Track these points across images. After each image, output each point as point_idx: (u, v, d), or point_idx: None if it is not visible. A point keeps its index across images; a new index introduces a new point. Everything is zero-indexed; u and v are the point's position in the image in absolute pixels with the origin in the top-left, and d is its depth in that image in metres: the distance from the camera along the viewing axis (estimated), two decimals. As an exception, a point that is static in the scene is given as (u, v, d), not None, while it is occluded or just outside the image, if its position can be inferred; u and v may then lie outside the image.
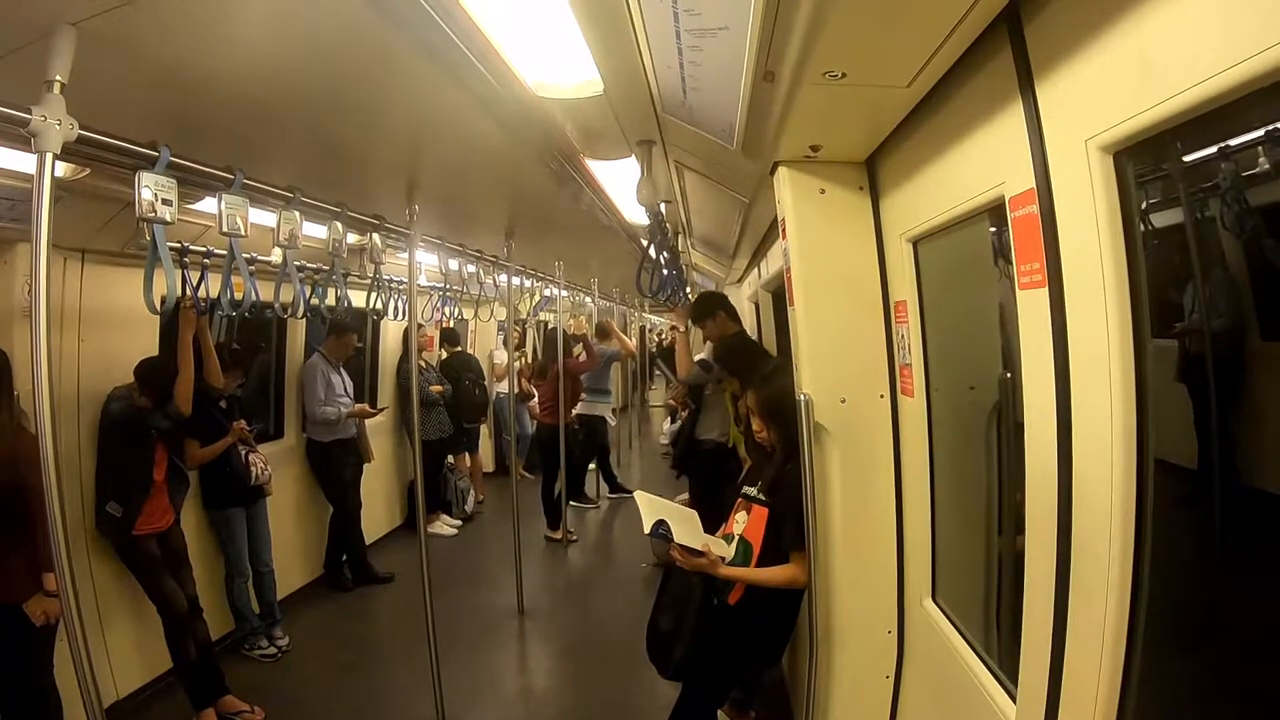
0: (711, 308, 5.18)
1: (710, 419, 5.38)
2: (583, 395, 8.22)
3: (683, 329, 5.19)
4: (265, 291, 3.46)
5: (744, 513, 3.01)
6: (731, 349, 4.86)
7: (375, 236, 3.92)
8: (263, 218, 3.05)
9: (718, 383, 5.15)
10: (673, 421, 6.62)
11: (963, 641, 2.28)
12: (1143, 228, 1.38)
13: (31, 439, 3.10)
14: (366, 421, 6.53)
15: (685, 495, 6.19)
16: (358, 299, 5.08)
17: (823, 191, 2.62)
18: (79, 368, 3.91)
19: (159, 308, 2.55)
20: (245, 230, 2.70)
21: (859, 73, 1.78)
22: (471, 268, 5.61)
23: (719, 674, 3.12)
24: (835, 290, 2.64)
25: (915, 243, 2.43)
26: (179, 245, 3.75)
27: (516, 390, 7.40)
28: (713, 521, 3.11)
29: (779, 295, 5.67)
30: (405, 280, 4.49)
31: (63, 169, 2.79)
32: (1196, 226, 1.49)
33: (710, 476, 5.37)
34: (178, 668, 4.10)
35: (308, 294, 3.95)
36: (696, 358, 5.32)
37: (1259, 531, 1.45)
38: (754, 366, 3.64)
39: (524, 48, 2.16)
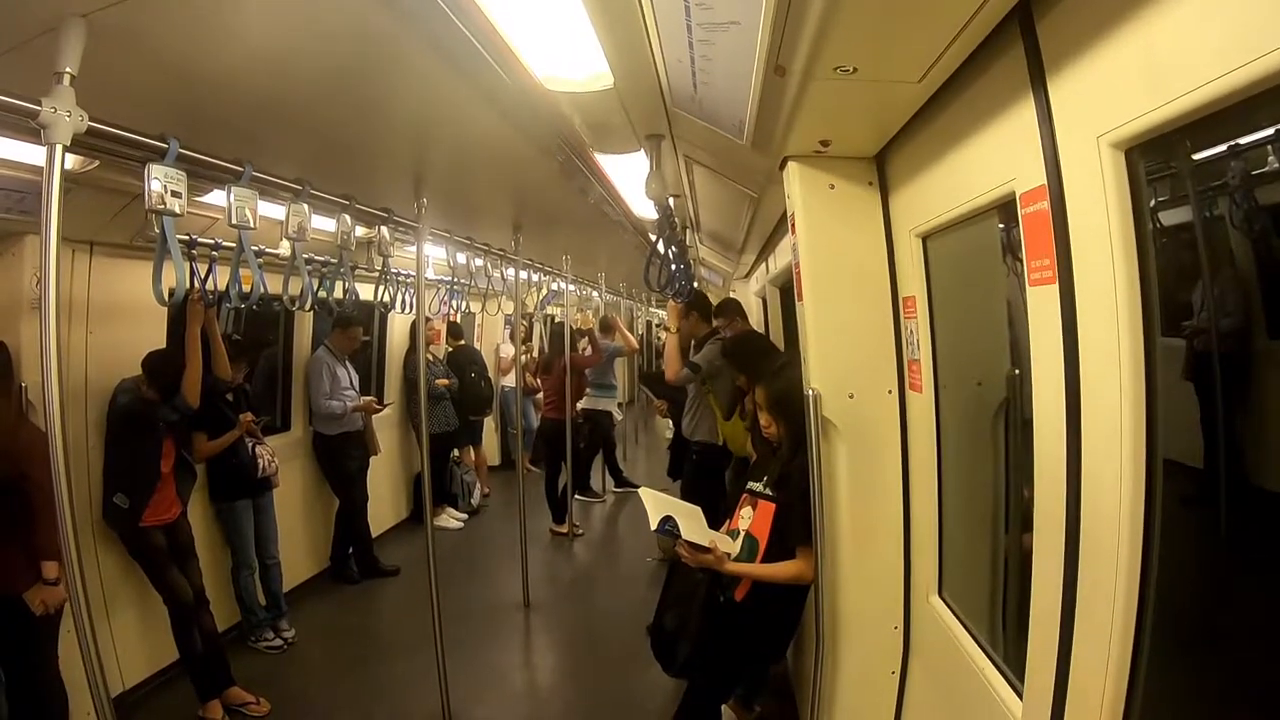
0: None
1: (698, 419, 5.38)
2: (588, 390, 8.22)
3: (674, 330, 5.20)
4: (273, 284, 3.46)
5: (750, 508, 3.00)
6: (741, 345, 4.86)
7: (383, 229, 3.92)
8: (271, 210, 3.05)
9: (701, 383, 5.16)
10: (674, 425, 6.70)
11: (969, 638, 2.28)
12: (1152, 225, 1.37)
13: (34, 430, 3.12)
14: (372, 415, 6.53)
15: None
16: (366, 292, 5.08)
17: (832, 187, 2.62)
18: (87, 360, 3.92)
19: (167, 300, 2.56)
20: (254, 223, 2.71)
21: (870, 68, 1.77)
22: (479, 261, 5.61)
23: (724, 670, 3.12)
24: (844, 285, 2.64)
25: (925, 238, 2.42)
26: (188, 237, 3.77)
27: (522, 384, 7.41)
28: (709, 520, 3.10)
29: (787, 290, 5.66)
30: (413, 273, 4.49)
31: (72, 161, 2.79)
32: (1205, 225, 1.48)
33: (702, 475, 5.39)
34: (184, 659, 4.11)
35: (315, 287, 3.95)
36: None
37: (1265, 531, 1.45)
38: (764, 361, 3.63)
39: (533, 41, 2.15)
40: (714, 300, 6.19)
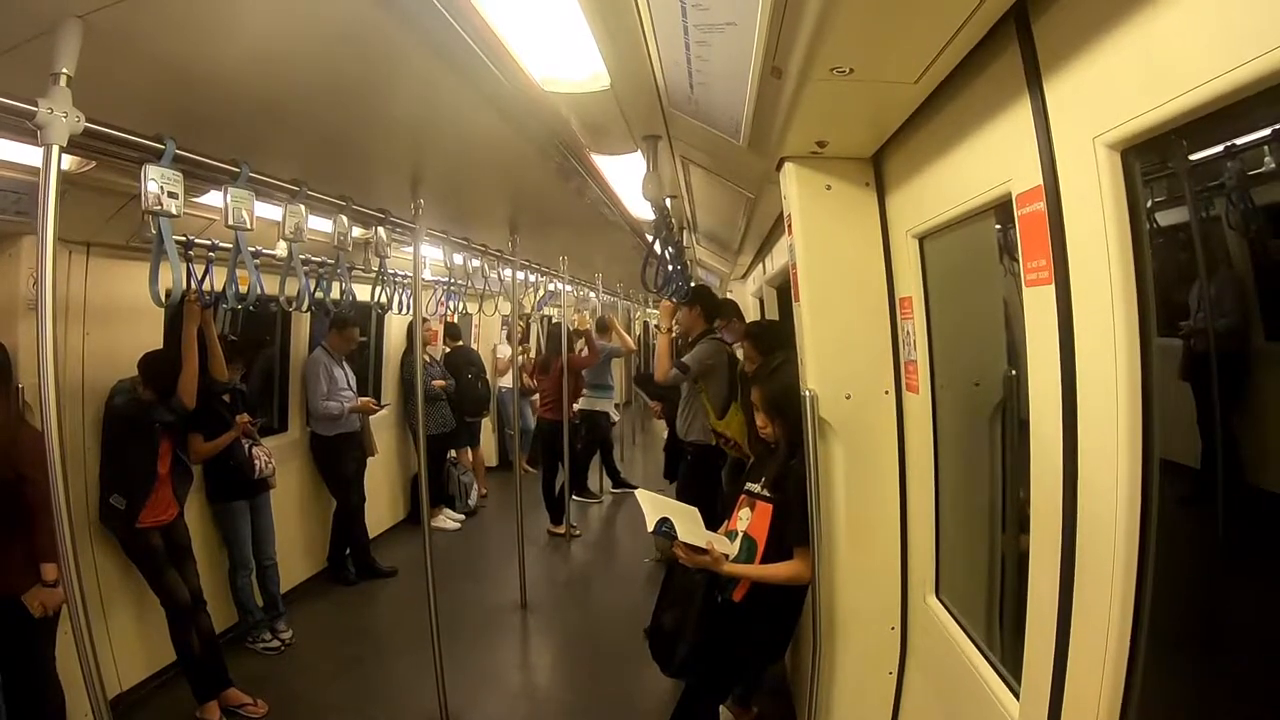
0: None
1: (692, 419, 5.39)
2: (584, 390, 8.23)
3: (666, 330, 5.20)
4: (270, 285, 3.45)
5: (748, 509, 3.01)
6: (764, 330, 4.89)
7: (380, 230, 3.91)
8: (268, 211, 3.05)
9: (694, 383, 5.16)
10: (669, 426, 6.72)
11: (966, 638, 2.28)
12: (1148, 226, 1.37)
13: (32, 431, 3.12)
14: (370, 416, 6.53)
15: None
16: (363, 293, 5.07)
17: (829, 187, 2.62)
18: (84, 361, 3.91)
19: (164, 301, 2.55)
20: (251, 224, 2.70)
21: (866, 69, 1.77)
22: (476, 262, 5.61)
23: (722, 670, 3.12)
24: (841, 286, 2.64)
25: (921, 239, 2.43)
26: (184, 238, 3.76)
27: (519, 385, 7.42)
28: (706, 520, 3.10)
29: (784, 291, 5.68)
30: (410, 274, 4.49)
31: (69, 162, 2.79)
32: (1202, 225, 1.48)
33: (699, 475, 5.39)
34: (181, 660, 4.11)
35: (312, 288, 3.95)
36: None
37: (1261, 531, 1.45)
38: (786, 346, 3.62)
39: (530, 42, 2.15)
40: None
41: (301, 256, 3.37)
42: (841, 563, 2.68)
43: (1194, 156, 1.39)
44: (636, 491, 3.13)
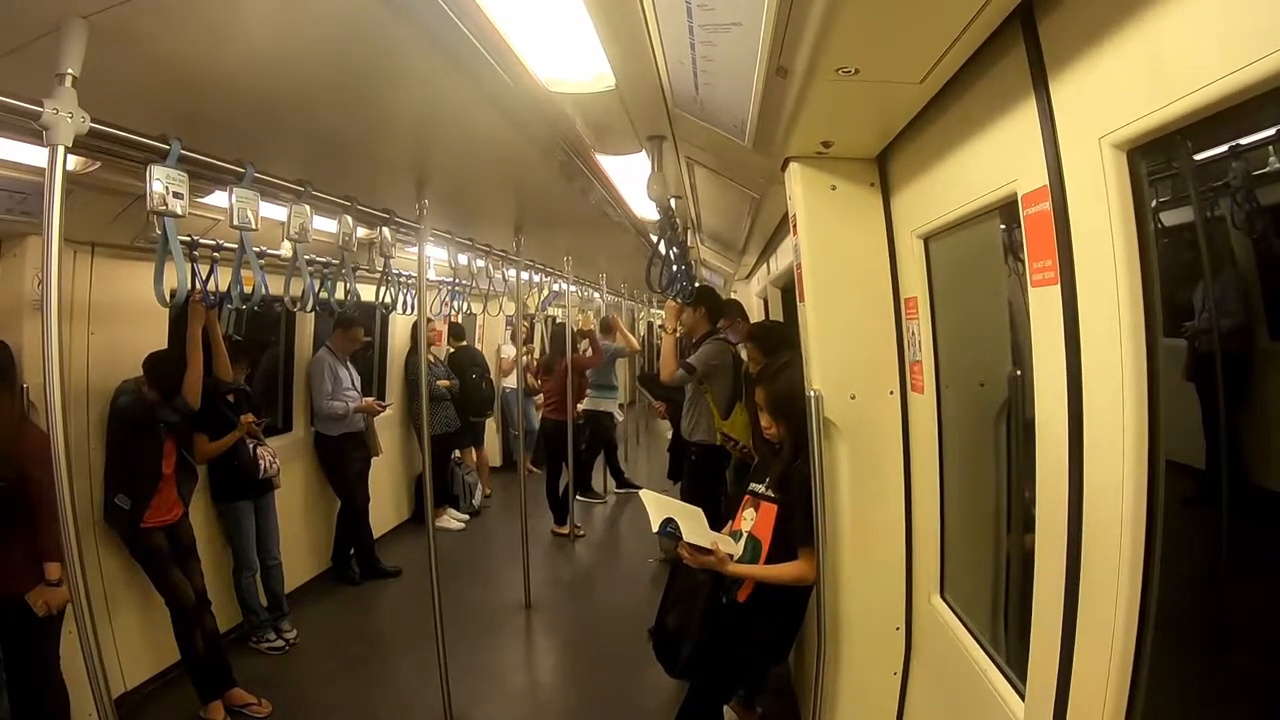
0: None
1: (696, 420, 5.39)
2: (589, 391, 8.23)
3: (671, 331, 5.20)
4: (275, 285, 3.46)
5: (752, 509, 3.00)
6: (768, 330, 4.89)
7: (385, 230, 3.92)
8: (273, 211, 3.05)
9: (698, 383, 5.17)
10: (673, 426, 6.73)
11: (971, 639, 2.28)
12: (1153, 226, 1.37)
13: (36, 431, 3.13)
14: (374, 416, 6.52)
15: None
16: (367, 293, 5.06)
17: (834, 188, 2.62)
18: (88, 361, 3.92)
19: (169, 301, 2.56)
20: (256, 224, 2.70)
21: (871, 69, 1.77)
22: (480, 262, 5.61)
23: (726, 671, 3.11)
24: (845, 286, 2.64)
25: (926, 239, 2.42)
26: (189, 239, 3.77)
27: (523, 385, 7.42)
28: (711, 521, 3.10)
29: (789, 291, 5.66)
30: (414, 274, 4.50)
31: (74, 162, 2.79)
32: (1207, 225, 1.48)
33: (704, 476, 5.40)
34: (185, 660, 4.11)
35: (317, 288, 3.95)
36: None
37: (1266, 531, 1.45)
38: (789, 347, 3.62)
39: (535, 42, 2.15)
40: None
41: (306, 257, 3.38)
42: (846, 563, 2.68)
43: (1199, 156, 1.38)
44: (641, 492, 3.13)
